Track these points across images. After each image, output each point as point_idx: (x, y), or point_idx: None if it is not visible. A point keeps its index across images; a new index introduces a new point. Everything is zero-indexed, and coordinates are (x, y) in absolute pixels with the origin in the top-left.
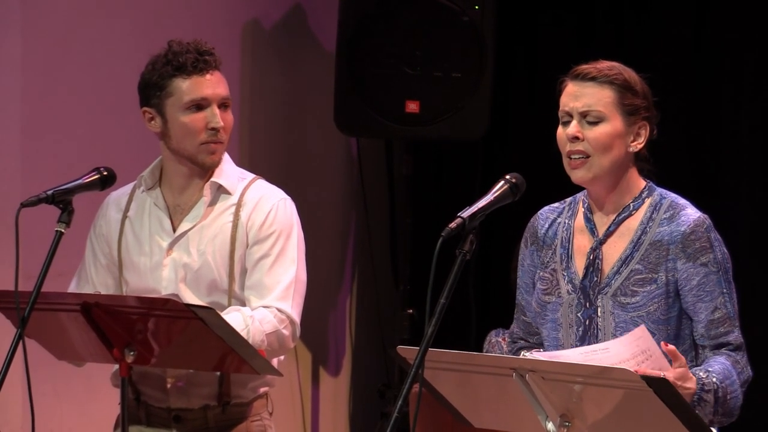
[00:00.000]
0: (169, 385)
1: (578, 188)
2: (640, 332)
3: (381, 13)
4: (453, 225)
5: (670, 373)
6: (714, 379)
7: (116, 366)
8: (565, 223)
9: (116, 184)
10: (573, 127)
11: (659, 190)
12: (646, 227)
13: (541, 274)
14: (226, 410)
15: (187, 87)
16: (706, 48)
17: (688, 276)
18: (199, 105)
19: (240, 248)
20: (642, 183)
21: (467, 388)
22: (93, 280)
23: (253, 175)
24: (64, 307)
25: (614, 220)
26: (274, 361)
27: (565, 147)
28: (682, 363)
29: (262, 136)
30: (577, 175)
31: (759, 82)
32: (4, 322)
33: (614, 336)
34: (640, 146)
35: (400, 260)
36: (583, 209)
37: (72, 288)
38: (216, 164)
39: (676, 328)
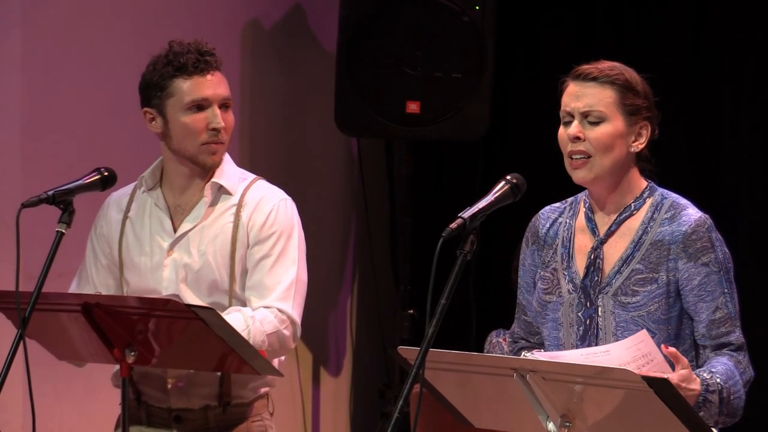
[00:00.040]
0: (169, 386)
1: (579, 188)
2: (642, 336)
3: (381, 13)
4: (454, 225)
5: (674, 376)
6: (718, 380)
7: (117, 366)
8: (566, 222)
9: (117, 184)
10: (574, 127)
11: (660, 190)
12: (647, 227)
13: (542, 273)
14: (227, 410)
15: (188, 87)
16: (706, 48)
17: (689, 276)
18: (200, 105)
19: (241, 249)
20: (643, 183)
21: (468, 388)
22: (94, 281)
23: (253, 176)
24: (64, 308)
25: (615, 219)
26: (275, 362)
27: (566, 147)
28: (685, 365)
29: (263, 137)
30: (578, 176)
31: (759, 82)
32: (5, 323)
33: (615, 335)
34: (641, 146)
35: (401, 260)
36: (584, 209)
37: (73, 288)
38: (217, 165)
39: (676, 328)
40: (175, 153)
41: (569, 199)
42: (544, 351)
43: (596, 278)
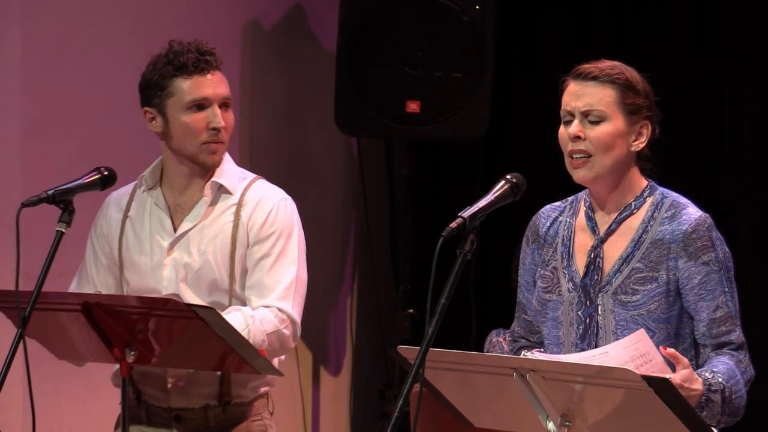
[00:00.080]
0: (169, 385)
1: (579, 187)
2: (640, 335)
3: (381, 13)
4: (454, 225)
5: (676, 376)
6: (720, 379)
7: (117, 366)
8: (566, 221)
9: (117, 183)
10: (575, 127)
11: (661, 190)
12: (647, 226)
13: (542, 272)
14: (227, 410)
15: (188, 87)
16: (706, 48)
17: (690, 275)
18: (200, 105)
19: (241, 248)
20: (643, 182)
21: (468, 387)
22: (94, 280)
23: (253, 175)
24: (64, 307)
25: (615, 218)
26: (275, 361)
27: (566, 146)
28: (686, 365)
29: (263, 136)
30: (578, 175)
31: (759, 82)
32: (5, 322)
33: (614, 334)
34: (641, 146)
35: (400, 260)
36: (584, 208)
37: (73, 288)
38: (217, 164)
39: (676, 327)
40: (175, 152)
41: (569, 198)
42: (544, 350)
43: (596, 277)
